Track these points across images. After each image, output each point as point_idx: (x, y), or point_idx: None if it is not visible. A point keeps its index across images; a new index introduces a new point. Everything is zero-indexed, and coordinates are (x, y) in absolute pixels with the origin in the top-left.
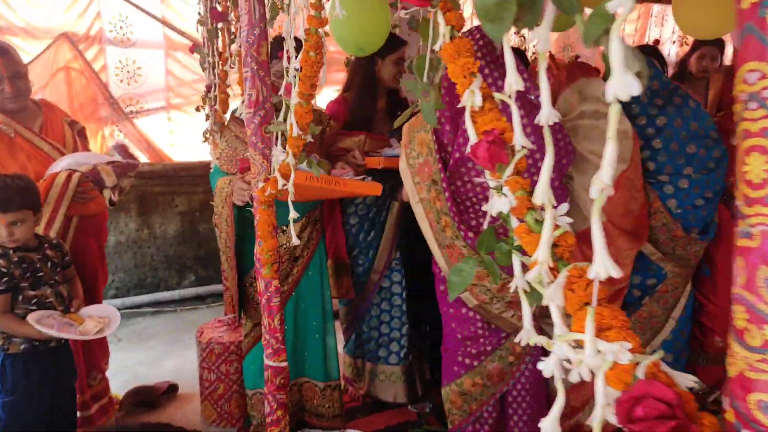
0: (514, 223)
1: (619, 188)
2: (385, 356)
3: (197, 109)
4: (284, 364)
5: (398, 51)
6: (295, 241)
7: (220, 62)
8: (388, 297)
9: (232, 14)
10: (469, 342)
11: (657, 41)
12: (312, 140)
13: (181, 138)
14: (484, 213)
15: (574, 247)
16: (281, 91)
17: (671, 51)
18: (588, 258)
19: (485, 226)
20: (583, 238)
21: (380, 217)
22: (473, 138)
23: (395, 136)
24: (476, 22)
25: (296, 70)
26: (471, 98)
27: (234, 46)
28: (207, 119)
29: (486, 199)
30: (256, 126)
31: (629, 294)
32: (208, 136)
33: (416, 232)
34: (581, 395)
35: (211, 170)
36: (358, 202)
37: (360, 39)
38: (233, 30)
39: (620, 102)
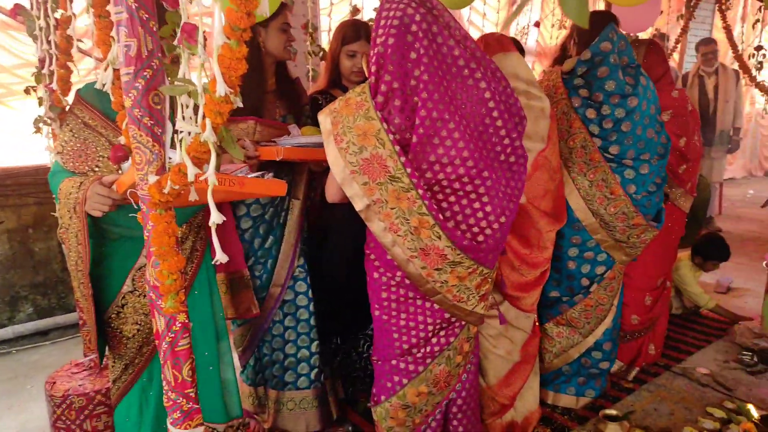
0: None
1: (537, 168)
2: (293, 380)
3: (27, 92)
4: (200, 429)
5: (281, 15)
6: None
7: (57, 26)
8: (293, 311)
9: None
10: (415, 348)
11: (537, 24)
12: (242, 105)
13: (2, 138)
14: (460, 194)
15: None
16: (179, 37)
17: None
18: (515, 250)
19: None
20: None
21: (279, 219)
22: None
23: (288, 120)
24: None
25: None
26: None
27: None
28: (40, 104)
29: (458, 175)
30: (140, 92)
31: (578, 283)
32: (41, 125)
33: (319, 232)
34: (510, 390)
35: (50, 169)
36: (249, 202)
37: None
38: None
39: (598, 80)
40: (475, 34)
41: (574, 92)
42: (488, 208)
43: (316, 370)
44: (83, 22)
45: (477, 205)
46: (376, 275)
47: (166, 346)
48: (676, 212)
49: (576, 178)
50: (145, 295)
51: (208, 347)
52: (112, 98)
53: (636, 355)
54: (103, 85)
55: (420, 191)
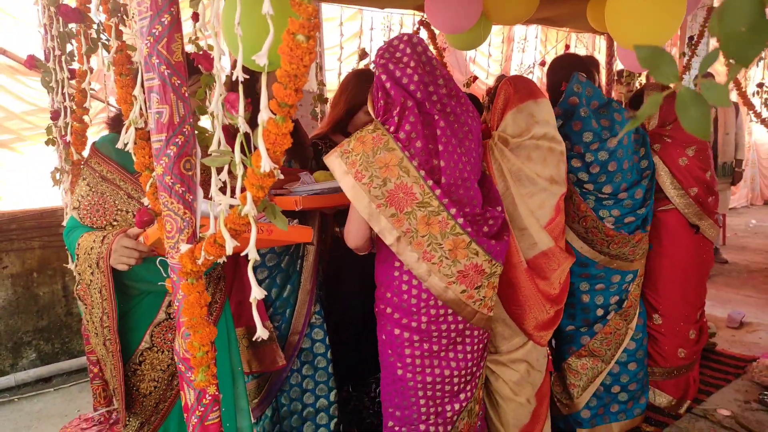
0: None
1: (559, 211)
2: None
3: (49, 143)
4: None
5: None
6: None
7: (73, 79)
8: (311, 359)
9: (96, 7)
10: (441, 407)
11: (543, 62)
12: (282, 177)
13: (9, 184)
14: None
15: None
16: (214, 102)
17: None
18: (543, 292)
19: None
20: (535, 268)
21: (295, 267)
22: None
23: (293, 166)
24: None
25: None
26: None
27: (96, 60)
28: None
29: (480, 215)
30: (172, 159)
31: (594, 314)
32: (58, 177)
33: (334, 279)
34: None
35: (64, 225)
36: (264, 251)
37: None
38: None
39: (575, 133)
40: (480, 74)
41: None
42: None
43: (335, 420)
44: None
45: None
46: (397, 331)
47: (195, 420)
48: (707, 243)
49: (572, 225)
50: (163, 351)
51: (225, 404)
52: (135, 158)
53: (685, 388)
54: (125, 144)
55: (453, 210)
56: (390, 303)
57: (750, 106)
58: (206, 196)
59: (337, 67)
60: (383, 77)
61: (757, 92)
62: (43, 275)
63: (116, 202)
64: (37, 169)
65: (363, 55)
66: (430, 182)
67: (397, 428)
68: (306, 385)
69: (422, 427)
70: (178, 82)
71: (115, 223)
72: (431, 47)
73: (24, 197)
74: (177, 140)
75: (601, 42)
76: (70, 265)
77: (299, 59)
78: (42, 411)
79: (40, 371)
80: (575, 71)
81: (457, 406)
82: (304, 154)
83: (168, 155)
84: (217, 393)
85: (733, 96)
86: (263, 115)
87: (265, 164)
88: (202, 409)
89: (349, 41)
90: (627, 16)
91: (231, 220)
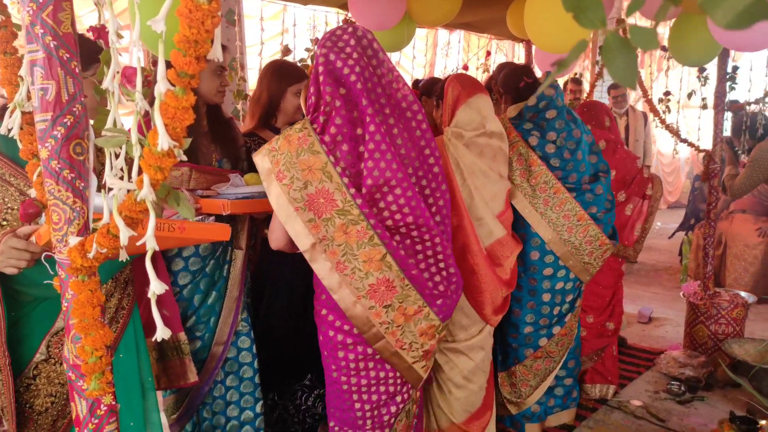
0: None
1: (508, 206)
2: None
3: None
4: None
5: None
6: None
7: None
8: (236, 369)
9: None
10: (377, 410)
11: (466, 67)
12: (185, 159)
13: None
14: (410, 238)
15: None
16: (108, 79)
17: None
18: (499, 277)
19: None
20: (491, 255)
21: (221, 272)
22: None
23: (224, 165)
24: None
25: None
26: None
27: None
28: None
29: (414, 225)
30: (59, 142)
31: (551, 313)
32: None
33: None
34: (482, 422)
35: None
36: (187, 255)
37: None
38: None
39: (548, 121)
40: (405, 77)
41: (527, 134)
42: (439, 248)
43: None
44: None
45: (420, 246)
46: (331, 333)
47: None
48: None
49: (544, 212)
50: (62, 363)
51: (134, 417)
52: (20, 145)
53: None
54: (9, 130)
55: (372, 221)
56: (325, 305)
57: (656, 112)
58: (101, 184)
59: (258, 64)
60: (320, 68)
61: (661, 99)
62: None
63: (5, 199)
64: None
65: (286, 51)
66: (353, 190)
67: (337, 428)
68: (230, 396)
69: (359, 423)
70: (67, 56)
71: (4, 222)
72: None
73: None
74: (65, 120)
75: (520, 49)
76: None
77: (199, 23)
78: None
79: None
80: (530, 74)
81: (393, 409)
82: (237, 152)
83: (54, 137)
84: (113, 403)
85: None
86: (160, 87)
87: (163, 141)
88: (96, 421)
89: (272, 39)
90: (545, 19)
91: (126, 207)
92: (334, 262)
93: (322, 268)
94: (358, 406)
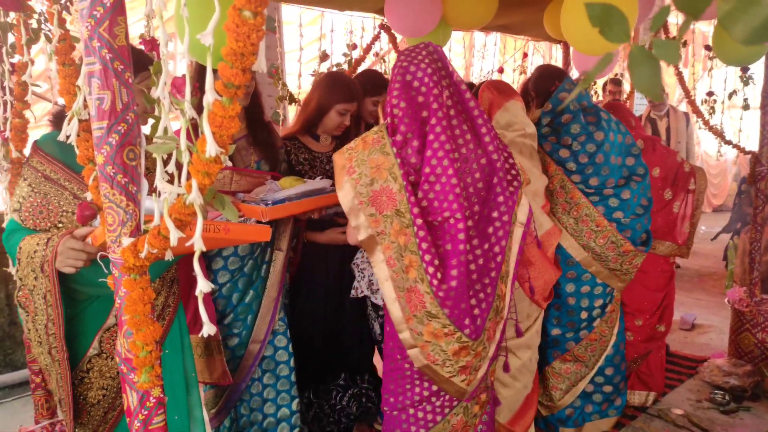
0: None
1: (547, 200)
2: None
3: None
4: None
5: None
6: None
7: (12, 72)
8: (272, 368)
9: None
10: (434, 397)
11: (501, 69)
12: (231, 164)
13: None
14: (450, 258)
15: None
16: (159, 88)
17: (514, 78)
18: (554, 266)
19: None
20: (542, 244)
21: (259, 272)
22: None
23: (262, 167)
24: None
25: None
26: None
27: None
28: None
29: (455, 240)
30: (114, 148)
31: (578, 317)
32: None
33: (297, 285)
34: (525, 422)
35: (4, 227)
36: (227, 254)
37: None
38: (34, 23)
39: (564, 126)
40: None
41: (543, 139)
42: (481, 261)
43: (297, 430)
44: (38, 65)
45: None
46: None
47: (138, 424)
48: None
49: (561, 217)
50: (112, 358)
51: (178, 411)
52: (77, 151)
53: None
54: (67, 137)
55: (415, 228)
56: None
57: (699, 113)
58: (151, 188)
59: (297, 69)
60: (398, 77)
61: (705, 100)
62: None
63: (61, 203)
64: None
65: (324, 57)
66: (412, 197)
67: (386, 408)
68: (267, 394)
69: (411, 411)
70: (121, 67)
71: (60, 225)
72: (393, 51)
73: None
74: (119, 128)
75: (557, 51)
76: (12, 270)
77: (246, 36)
78: None
79: None
80: (563, 78)
81: (447, 397)
82: (276, 156)
83: (110, 144)
84: (162, 396)
85: (683, 106)
86: (208, 97)
87: (211, 148)
88: (146, 412)
89: (310, 45)
90: (581, 21)
91: (176, 210)
92: (387, 255)
93: (376, 258)
94: (417, 390)
